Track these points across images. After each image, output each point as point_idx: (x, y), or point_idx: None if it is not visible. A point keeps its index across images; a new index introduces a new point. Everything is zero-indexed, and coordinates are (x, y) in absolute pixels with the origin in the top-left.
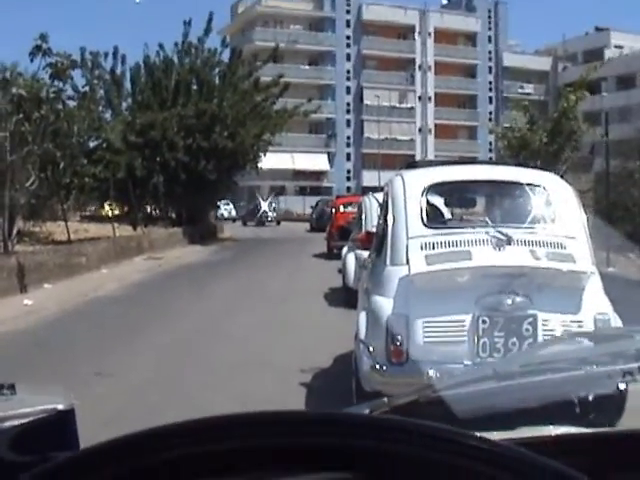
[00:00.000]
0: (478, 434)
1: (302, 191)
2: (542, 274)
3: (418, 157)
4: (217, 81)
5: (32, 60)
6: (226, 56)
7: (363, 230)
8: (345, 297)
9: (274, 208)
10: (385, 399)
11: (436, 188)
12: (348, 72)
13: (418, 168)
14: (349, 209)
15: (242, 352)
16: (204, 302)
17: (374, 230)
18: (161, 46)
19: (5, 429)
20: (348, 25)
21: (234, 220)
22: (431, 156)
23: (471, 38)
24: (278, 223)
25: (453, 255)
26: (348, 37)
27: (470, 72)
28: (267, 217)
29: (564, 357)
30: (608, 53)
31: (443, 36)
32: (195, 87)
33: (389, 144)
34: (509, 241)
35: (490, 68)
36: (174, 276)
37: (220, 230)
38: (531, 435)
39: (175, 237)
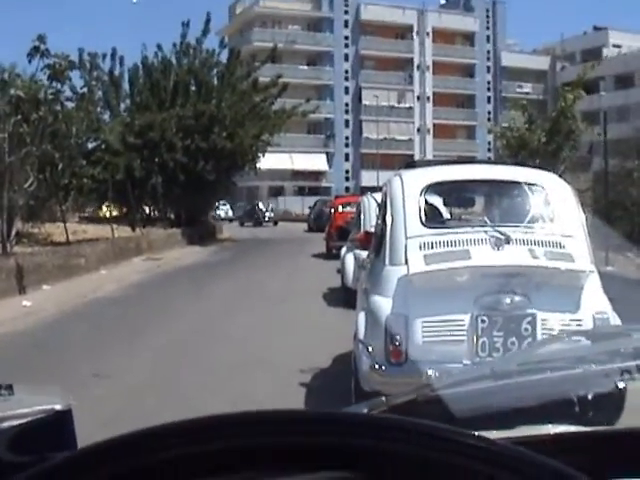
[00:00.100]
0: (476, 433)
1: (301, 191)
2: (541, 273)
3: (417, 157)
4: (215, 82)
5: (30, 61)
6: (224, 57)
7: (362, 230)
8: (344, 297)
9: (271, 209)
10: (383, 398)
11: (434, 188)
12: (346, 72)
13: (417, 168)
14: (348, 209)
15: (241, 352)
16: (203, 303)
17: (373, 230)
18: (159, 47)
19: (3, 429)
20: (346, 25)
21: (230, 220)
22: (430, 156)
23: (469, 38)
24: (275, 223)
25: (452, 255)
26: (346, 37)
27: (468, 72)
28: (264, 217)
29: (562, 356)
30: (606, 52)
31: (441, 36)
32: (193, 88)
33: (388, 144)
34: (508, 240)
35: (488, 68)
36: (173, 277)
37: (219, 231)
38: (529, 434)
39: (174, 238)
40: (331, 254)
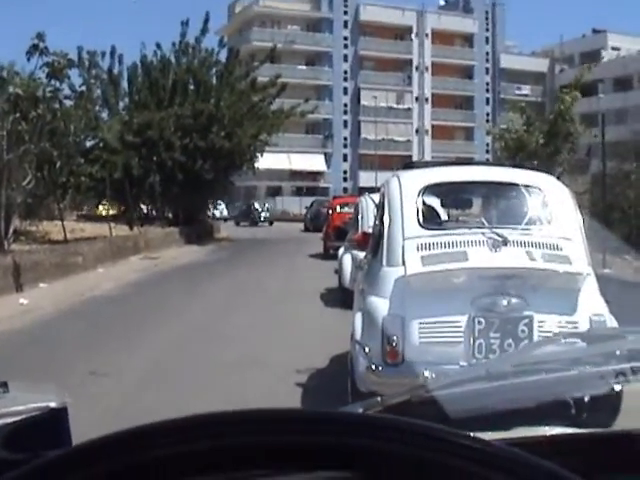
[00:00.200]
0: (471, 434)
1: (299, 191)
2: (538, 275)
3: (415, 158)
4: (214, 81)
5: (29, 59)
6: (223, 56)
7: (359, 231)
8: (341, 297)
9: (267, 208)
10: (378, 399)
11: (432, 189)
12: (345, 73)
13: (415, 169)
14: (346, 210)
15: (238, 352)
16: (200, 302)
17: (370, 231)
18: (158, 46)
19: None
20: (345, 26)
21: (225, 220)
22: (428, 157)
23: (468, 39)
24: (271, 223)
25: (449, 256)
26: (345, 38)
27: (467, 73)
28: (260, 217)
29: (557, 357)
30: (605, 55)
31: (440, 37)
32: (192, 87)
33: (386, 145)
34: (505, 242)
35: (487, 69)
36: (170, 276)
37: (216, 230)
38: (524, 435)
39: (171, 237)
40: (329, 254)
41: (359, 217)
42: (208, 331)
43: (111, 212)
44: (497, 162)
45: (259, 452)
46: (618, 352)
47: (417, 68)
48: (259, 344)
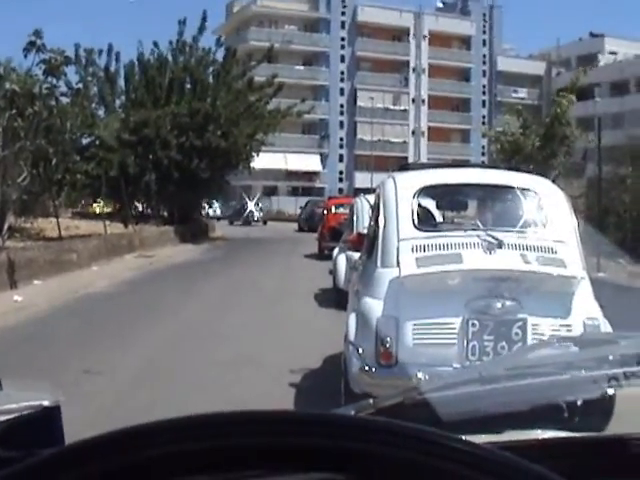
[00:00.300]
0: (463, 437)
1: (294, 191)
2: (532, 278)
3: (411, 159)
4: (211, 80)
5: (26, 56)
6: (220, 55)
7: (354, 231)
8: (336, 298)
9: (260, 208)
10: (371, 401)
11: (428, 191)
12: (342, 73)
13: (410, 170)
14: (341, 210)
15: (232, 351)
16: (195, 301)
17: (365, 232)
18: (155, 44)
19: None
20: (343, 26)
21: (219, 219)
22: (424, 159)
23: (465, 41)
24: (264, 223)
25: (444, 258)
26: (343, 38)
27: (464, 75)
28: (253, 217)
29: (549, 361)
30: (602, 59)
31: (438, 39)
32: (189, 86)
33: (382, 146)
34: (500, 245)
35: (484, 72)
36: (165, 275)
37: (211, 229)
38: (516, 439)
39: (166, 235)
40: (323, 255)
41: (354, 218)
42: (202, 330)
43: (106, 210)
44: (492, 165)
45: (252, 453)
46: (611, 357)
47: (414, 70)
48: (253, 344)
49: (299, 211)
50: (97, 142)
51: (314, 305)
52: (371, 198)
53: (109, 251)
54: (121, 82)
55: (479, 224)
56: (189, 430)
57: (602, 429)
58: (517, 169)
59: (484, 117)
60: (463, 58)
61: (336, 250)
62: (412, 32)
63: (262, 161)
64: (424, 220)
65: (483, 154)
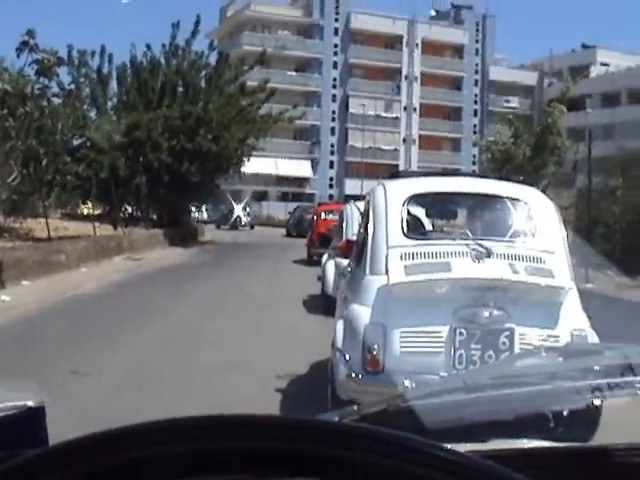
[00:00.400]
0: (447, 445)
1: (284, 197)
2: (520, 288)
3: (402, 167)
4: (203, 84)
5: (19, 56)
6: (213, 59)
7: (344, 238)
8: (324, 304)
9: (248, 213)
10: (355, 407)
11: (417, 199)
12: (334, 80)
13: (401, 178)
14: (330, 217)
15: (219, 356)
16: (182, 305)
17: (354, 238)
18: (148, 47)
19: None
20: (336, 33)
21: (206, 223)
22: (414, 167)
23: (458, 50)
24: (252, 227)
25: (432, 266)
26: (336, 45)
27: (456, 84)
28: (240, 221)
29: (533, 371)
30: (594, 70)
31: (430, 47)
32: (181, 89)
33: (373, 153)
34: (489, 254)
35: (476, 81)
36: (153, 277)
37: (201, 233)
38: (501, 448)
39: (156, 238)
40: (312, 261)
41: (344, 225)
42: (190, 334)
43: (91, 211)
44: (483, 174)
45: (236, 457)
46: (595, 367)
47: (406, 77)
48: (241, 348)
49: (288, 216)
50: (88, 144)
51: (302, 311)
52: (361, 205)
53: (98, 253)
54: (113, 84)
55: (468, 233)
56: (174, 433)
57: (588, 439)
58: (507, 179)
59: (475, 126)
60: (455, 67)
61: (325, 256)
62: (405, 40)
63: (253, 166)
64: (413, 228)
65: (474, 163)
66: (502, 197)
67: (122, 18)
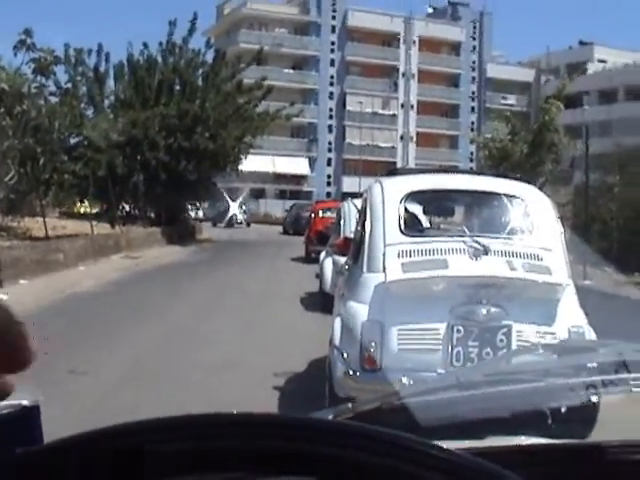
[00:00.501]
0: (440, 443)
1: (282, 195)
2: (518, 285)
3: (399, 164)
4: (200, 82)
5: (16, 54)
6: (210, 57)
7: (341, 236)
8: (322, 302)
9: (244, 210)
10: (349, 405)
11: (415, 196)
12: (332, 77)
13: (398, 175)
14: (328, 214)
15: (217, 354)
16: (180, 303)
17: (352, 236)
18: (145, 45)
19: None
20: (333, 30)
21: (201, 221)
22: (412, 164)
23: (455, 47)
24: (248, 225)
25: (429, 263)
26: (333, 42)
27: (453, 81)
28: (236, 219)
29: (528, 368)
30: (591, 67)
31: (427, 45)
32: (178, 87)
33: (370, 151)
34: (486, 251)
35: (473, 78)
36: (151, 276)
37: (198, 231)
38: (495, 445)
39: (153, 237)
40: (310, 258)
41: (341, 222)
42: (188, 332)
43: (87, 210)
44: (480, 171)
45: (231, 455)
46: (590, 364)
47: (403, 75)
48: (238, 346)
49: (285, 214)
50: (85, 142)
51: (300, 308)
52: (358, 202)
53: (96, 251)
54: (110, 82)
55: (465, 230)
56: (170, 431)
57: (585, 437)
58: (504, 176)
59: (473, 123)
60: (452, 64)
61: (323, 254)
62: (402, 37)
63: (250, 164)
64: (411, 225)
65: (471, 160)
66: (499, 194)
67: (119, 16)
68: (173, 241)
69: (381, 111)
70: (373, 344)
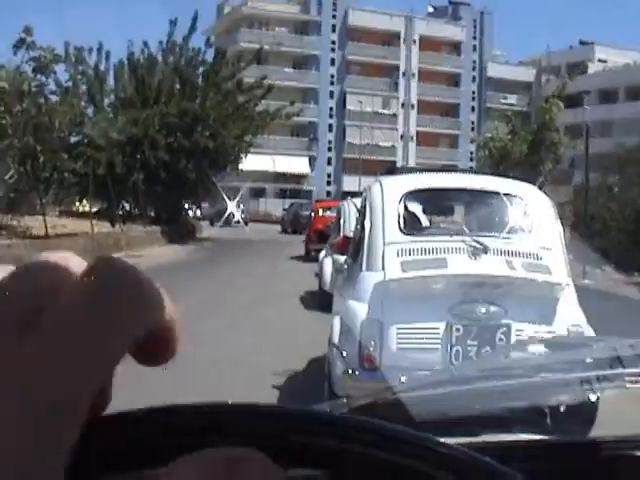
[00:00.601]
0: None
1: (282, 194)
2: (517, 284)
3: (399, 164)
4: (200, 81)
5: (16, 53)
6: (210, 56)
7: (341, 235)
8: (321, 300)
9: (242, 210)
10: (344, 399)
11: (414, 195)
12: (332, 76)
13: (397, 174)
14: (328, 213)
15: (216, 352)
16: (179, 302)
17: (352, 235)
18: (145, 44)
19: None
20: (334, 30)
21: (199, 220)
22: (412, 163)
23: (456, 47)
24: (246, 224)
25: (429, 262)
26: (333, 42)
27: (454, 81)
28: (234, 218)
29: (522, 364)
30: (592, 67)
31: (428, 44)
32: (178, 86)
33: (370, 150)
34: (485, 250)
35: (474, 77)
36: (151, 275)
37: (198, 230)
38: (489, 440)
39: (153, 235)
40: (310, 257)
41: (341, 221)
42: (187, 330)
43: (85, 209)
44: (480, 170)
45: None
46: (584, 360)
47: (404, 74)
48: (237, 344)
49: (283, 213)
50: (85, 141)
51: (300, 307)
52: (358, 202)
53: (95, 250)
54: (110, 81)
55: (465, 229)
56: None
57: (585, 433)
58: (503, 175)
59: (473, 123)
60: (453, 63)
61: (322, 253)
62: (402, 36)
63: (250, 163)
64: (410, 224)
65: (471, 160)
66: (499, 193)
67: (119, 15)
68: (173, 240)
69: (381, 110)
70: (372, 343)
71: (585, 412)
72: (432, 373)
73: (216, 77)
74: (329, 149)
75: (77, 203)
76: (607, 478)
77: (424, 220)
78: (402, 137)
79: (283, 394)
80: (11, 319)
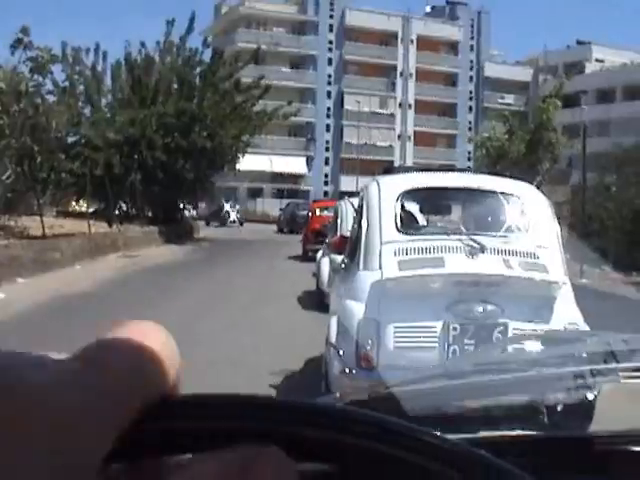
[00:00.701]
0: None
1: (279, 194)
2: (514, 283)
3: (397, 164)
4: (197, 81)
5: (13, 53)
6: (207, 56)
7: (338, 234)
8: (318, 300)
9: (237, 210)
10: (337, 394)
11: (411, 194)
12: (329, 76)
13: (394, 174)
14: (325, 213)
15: (214, 352)
16: (177, 302)
17: (349, 234)
18: (143, 44)
19: None
20: (331, 29)
21: (195, 219)
22: (410, 163)
23: (453, 47)
24: (241, 224)
25: (426, 261)
26: (330, 42)
27: (451, 80)
28: (229, 218)
29: (517, 358)
30: (589, 67)
31: (425, 44)
32: (175, 86)
33: (368, 150)
34: (482, 249)
35: (471, 77)
36: (148, 275)
37: (196, 230)
38: (485, 435)
39: (151, 236)
40: (307, 257)
41: (338, 221)
42: (183, 330)
43: (90, 209)
44: (478, 170)
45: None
46: (578, 354)
47: (401, 74)
48: (235, 344)
49: (279, 212)
50: (83, 141)
51: (297, 307)
52: (355, 201)
53: (93, 250)
54: (108, 81)
55: (462, 228)
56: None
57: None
58: (501, 174)
59: (470, 122)
60: (450, 63)
61: (320, 252)
62: (400, 36)
63: (248, 163)
64: (407, 223)
65: (469, 159)
66: (496, 192)
67: (116, 16)
68: (170, 240)
69: (379, 110)
70: (369, 342)
71: (583, 410)
72: (427, 369)
73: (213, 77)
74: (326, 149)
75: (74, 203)
76: (602, 473)
77: (421, 219)
78: (399, 137)
79: (280, 394)
80: None
